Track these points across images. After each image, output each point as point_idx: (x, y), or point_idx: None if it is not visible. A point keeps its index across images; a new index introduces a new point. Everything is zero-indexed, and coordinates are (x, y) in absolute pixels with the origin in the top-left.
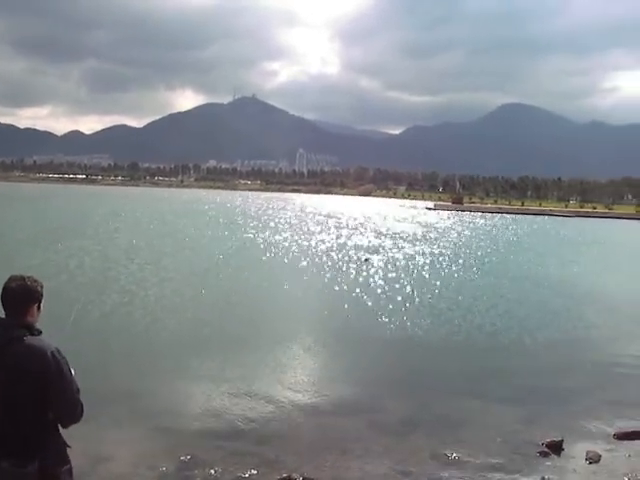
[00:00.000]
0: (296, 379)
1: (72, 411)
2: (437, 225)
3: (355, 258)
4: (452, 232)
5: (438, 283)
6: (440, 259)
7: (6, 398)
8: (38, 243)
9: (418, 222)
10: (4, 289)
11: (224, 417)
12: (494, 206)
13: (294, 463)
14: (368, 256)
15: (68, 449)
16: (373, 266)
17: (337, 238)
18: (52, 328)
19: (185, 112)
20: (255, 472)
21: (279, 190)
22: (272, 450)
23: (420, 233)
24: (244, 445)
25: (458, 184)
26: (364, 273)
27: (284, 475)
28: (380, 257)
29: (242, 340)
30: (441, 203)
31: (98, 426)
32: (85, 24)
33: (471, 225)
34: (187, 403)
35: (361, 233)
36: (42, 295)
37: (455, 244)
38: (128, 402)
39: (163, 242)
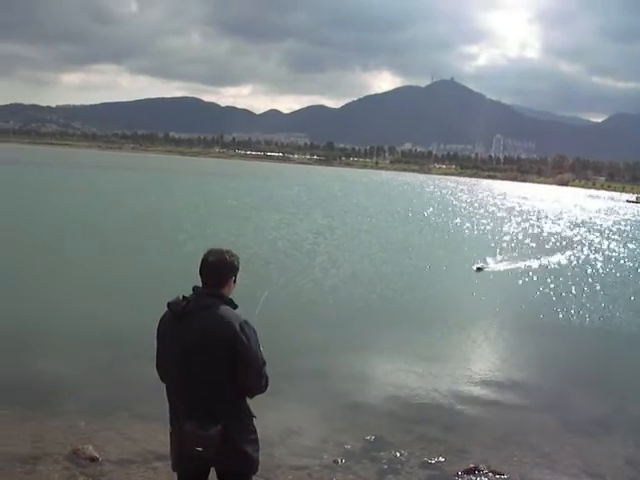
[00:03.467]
0: (484, 366)
1: (258, 381)
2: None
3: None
4: None
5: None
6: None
7: (194, 363)
8: (237, 216)
9: (616, 213)
10: (203, 261)
11: (412, 399)
12: None
13: (481, 454)
14: (482, 265)
15: (254, 419)
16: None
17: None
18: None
19: (382, 94)
20: (442, 459)
21: (474, 175)
22: (459, 438)
23: (615, 226)
24: (431, 430)
25: None
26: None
27: (471, 465)
28: (574, 251)
29: (432, 320)
30: None
31: (287, 400)
32: (286, 6)
33: None
34: (376, 383)
35: (555, 223)
36: (238, 269)
37: None
38: (317, 378)
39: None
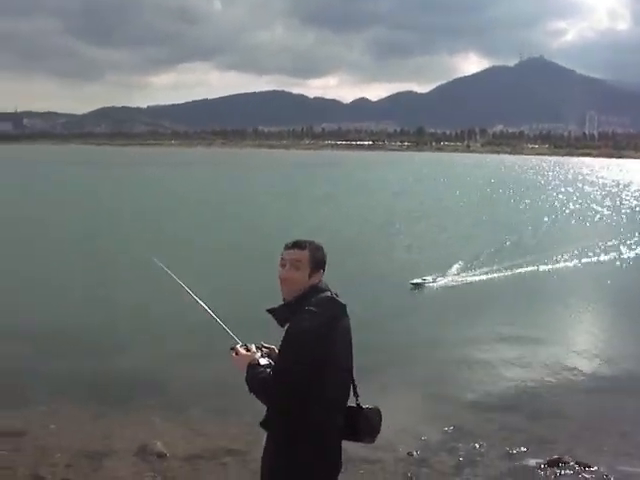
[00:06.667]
0: (575, 350)
1: None
2: None
3: None
4: None
5: None
6: None
7: (349, 360)
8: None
9: None
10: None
11: (494, 387)
12: None
13: (566, 444)
14: (419, 280)
15: None
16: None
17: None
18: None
19: (470, 76)
20: (524, 450)
21: (568, 154)
22: (543, 427)
23: None
24: (513, 420)
25: None
26: None
27: (555, 457)
28: None
29: (523, 300)
30: None
31: (364, 390)
32: None
33: None
34: (455, 371)
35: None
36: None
37: None
38: (397, 368)
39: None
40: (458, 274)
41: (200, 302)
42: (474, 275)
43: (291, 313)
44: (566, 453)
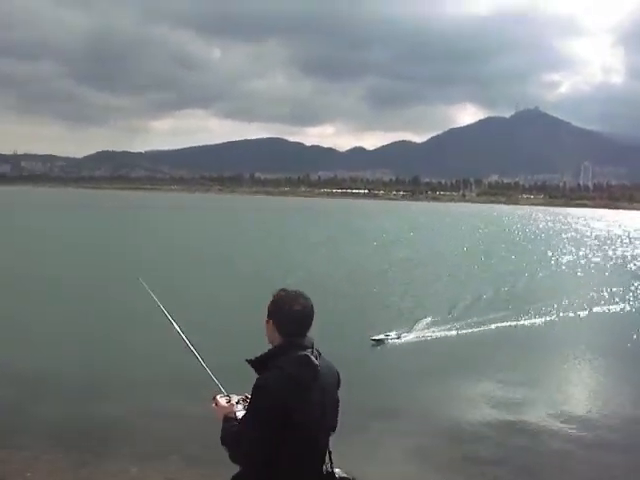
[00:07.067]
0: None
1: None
2: None
3: None
4: None
5: None
6: None
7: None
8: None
9: None
10: (304, 307)
11: (491, 438)
12: None
13: None
14: (380, 337)
15: None
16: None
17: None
18: None
19: (466, 126)
20: None
21: (563, 205)
22: None
23: None
24: (510, 475)
25: None
26: None
27: None
28: None
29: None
30: None
31: (356, 442)
32: (364, 42)
33: None
34: (452, 418)
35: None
36: None
37: None
38: (392, 415)
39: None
40: (450, 324)
41: (190, 345)
42: (457, 328)
43: (262, 367)
44: None
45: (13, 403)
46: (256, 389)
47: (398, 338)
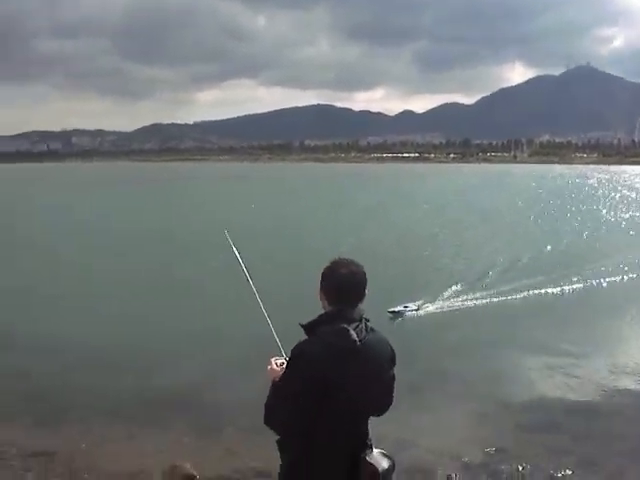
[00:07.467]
0: (622, 368)
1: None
2: None
3: None
4: None
5: None
6: None
7: (368, 395)
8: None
9: None
10: (352, 274)
11: (536, 406)
12: None
13: (616, 467)
14: (401, 308)
15: None
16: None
17: None
18: None
19: (516, 86)
20: (570, 473)
21: (617, 162)
22: (591, 449)
23: None
24: (558, 440)
25: None
26: None
27: None
28: None
29: (565, 316)
30: None
31: (406, 410)
32: (412, 6)
33: None
34: (494, 389)
35: None
36: None
37: None
38: (434, 386)
39: None
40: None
41: (259, 301)
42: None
43: (310, 333)
44: (616, 475)
45: (64, 377)
46: (292, 357)
47: (417, 309)
